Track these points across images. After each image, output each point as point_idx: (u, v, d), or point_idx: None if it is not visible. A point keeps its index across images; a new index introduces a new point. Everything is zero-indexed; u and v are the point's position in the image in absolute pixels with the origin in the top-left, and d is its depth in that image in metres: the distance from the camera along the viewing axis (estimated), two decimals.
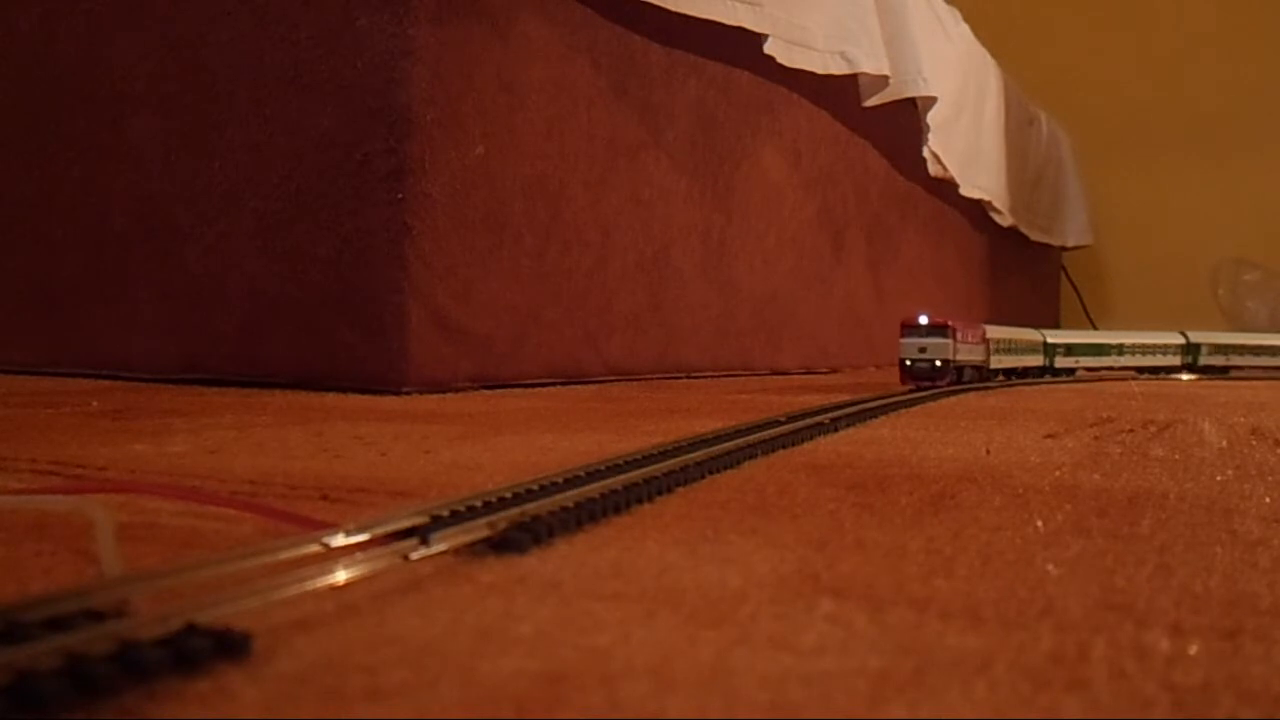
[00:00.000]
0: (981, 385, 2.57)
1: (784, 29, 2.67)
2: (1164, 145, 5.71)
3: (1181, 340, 3.58)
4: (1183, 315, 5.13)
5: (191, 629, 0.42)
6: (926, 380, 2.06)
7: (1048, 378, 2.93)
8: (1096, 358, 3.17)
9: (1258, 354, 3.74)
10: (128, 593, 0.46)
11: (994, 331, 2.48)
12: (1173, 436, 1.39)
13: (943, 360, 2.06)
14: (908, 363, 2.08)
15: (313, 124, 1.88)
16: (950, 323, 2.08)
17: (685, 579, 0.56)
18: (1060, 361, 2.97)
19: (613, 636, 0.46)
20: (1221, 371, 3.64)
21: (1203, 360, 3.59)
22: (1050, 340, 2.96)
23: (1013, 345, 2.65)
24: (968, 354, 2.21)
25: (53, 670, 0.37)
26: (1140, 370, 3.43)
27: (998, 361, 2.51)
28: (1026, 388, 2.76)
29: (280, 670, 0.41)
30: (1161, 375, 3.44)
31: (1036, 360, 2.87)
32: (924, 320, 2.07)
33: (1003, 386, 2.67)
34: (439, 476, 0.90)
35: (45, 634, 0.40)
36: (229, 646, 0.42)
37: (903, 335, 2.08)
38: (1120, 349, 3.32)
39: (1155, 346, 3.49)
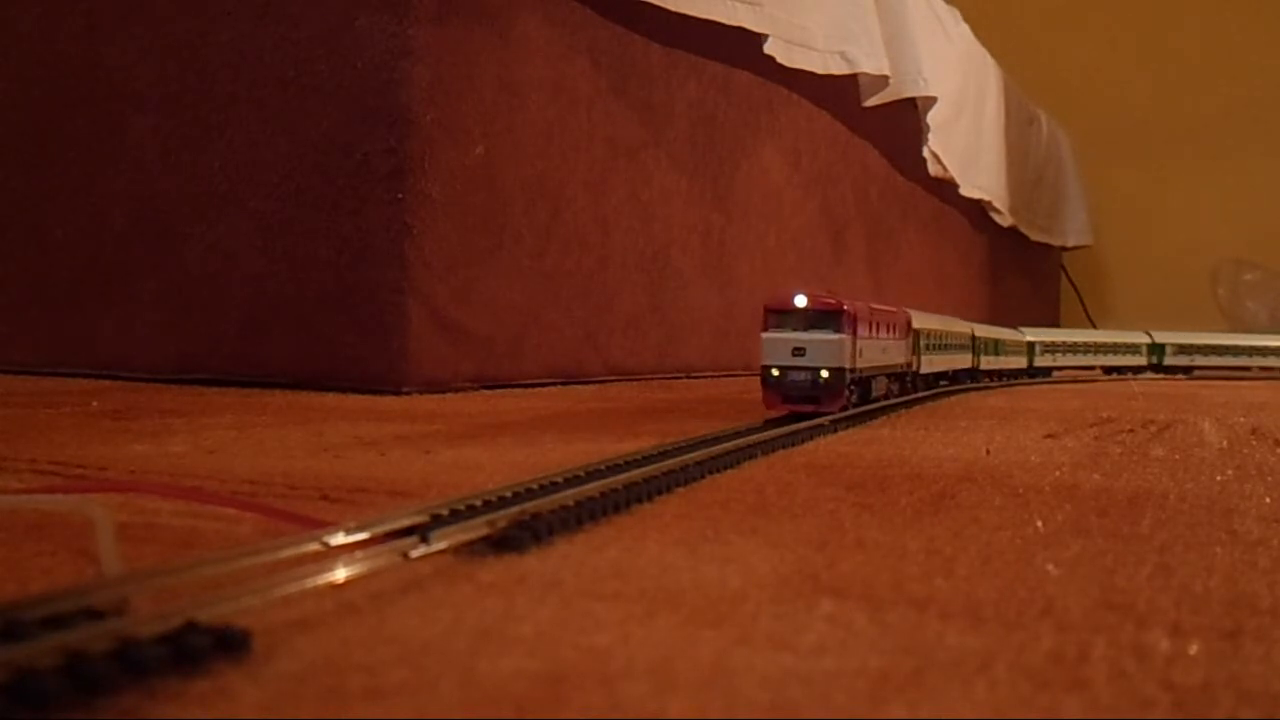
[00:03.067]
0: (981, 385, 2.55)
1: (784, 29, 2.67)
2: (1164, 145, 5.71)
3: (1147, 340, 3.56)
4: (1183, 315, 5.13)
5: (191, 627, 0.42)
6: (807, 401, 1.31)
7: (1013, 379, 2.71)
8: (1062, 356, 2.99)
9: (1221, 354, 3.74)
10: (127, 591, 0.46)
11: (924, 321, 1.85)
12: (1173, 436, 1.39)
13: (833, 369, 1.30)
14: (774, 371, 1.31)
15: (313, 124, 1.88)
16: (847, 305, 1.32)
17: (685, 579, 0.56)
18: (985, 363, 2.55)
19: (613, 636, 0.46)
20: (1185, 371, 3.63)
21: (1167, 360, 3.58)
22: (977, 334, 2.51)
23: (948, 341, 2.07)
24: (878, 355, 1.50)
25: (52, 668, 0.37)
26: (1107, 370, 3.39)
27: (930, 363, 1.90)
28: (1026, 388, 2.76)
29: (280, 670, 0.41)
30: (1129, 375, 3.41)
31: (965, 361, 2.35)
32: (801, 302, 1.31)
33: (1003, 387, 2.66)
34: (439, 476, 0.90)
35: (45, 632, 0.40)
36: (229, 644, 0.42)
37: (767, 327, 1.32)
38: (1086, 348, 3.21)
39: (1122, 346, 3.46)
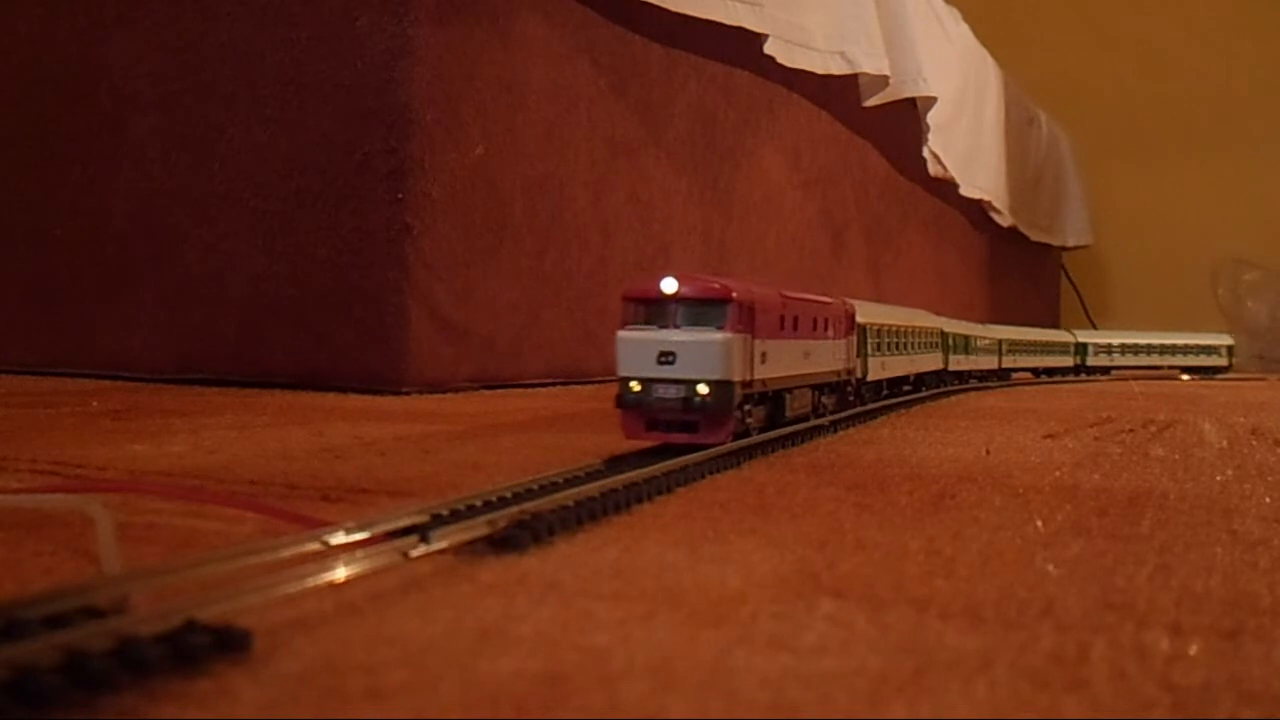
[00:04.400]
0: (980, 385, 2.53)
1: (784, 29, 2.67)
2: (1164, 145, 5.71)
3: (1071, 339, 3.49)
4: (1183, 315, 5.14)
5: (192, 626, 0.42)
6: (679, 429, 0.96)
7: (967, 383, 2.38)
8: (979, 356, 2.58)
9: (1136, 353, 3.69)
10: (128, 590, 0.46)
11: (874, 314, 1.56)
12: (1173, 436, 1.39)
13: (715, 383, 0.94)
14: (633, 386, 0.96)
15: (313, 124, 1.88)
16: (737, 292, 0.97)
17: (685, 579, 0.56)
18: (955, 363, 2.26)
19: (613, 636, 0.46)
20: (1104, 371, 3.56)
21: (1090, 360, 3.50)
22: (948, 330, 2.22)
23: (909, 339, 1.78)
24: (796, 362, 1.15)
25: (52, 667, 0.37)
26: (1036, 372, 3.23)
27: (882, 367, 1.60)
28: (1026, 388, 2.76)
29: (280, 670, 0.41)
30: (1057, 378, 3.29)
31: (935, 362, 2.07)
32: (670, 287, 0.95)
33: (1003, 386, 2.65)
34: (439, 476, 0.90)
35: (45, 631, 0.40)
36: (229, 644, 0.42)
37: (625, 322, 0.98)
38: (1013, 347, 2.90)
39: (1050, 345, 3.34)
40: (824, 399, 1.29)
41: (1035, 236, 5.15)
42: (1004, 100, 4.41)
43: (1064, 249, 5.80)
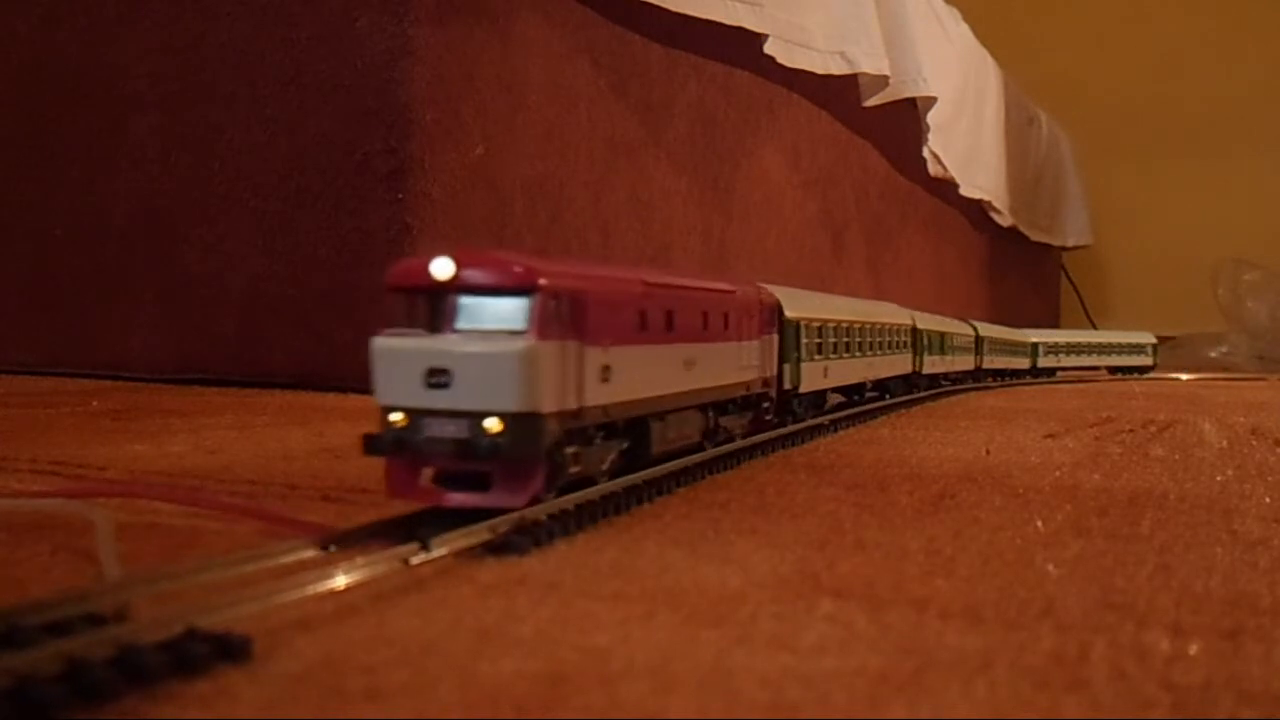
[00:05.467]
0: (980, 385, 2.52)
1: (784, 29, 2.67)
2: (1164, 145, 5.71)
3: (1028, 341, 3.36)
4: (1183, 315, 5.13)
5: (192, 633, 0.42)
6: (464, 484, 0.67)
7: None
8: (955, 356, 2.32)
9: (1079, 354, 3.63)
10: (128, 596, 0.46)
11: (809, 306, 1.28)
12: (1173, 436, 1.39)
13: (512, 417, 0.65)
14: (395, 422, 0.67)
15: (313, 124, 1.88)
16: (546, 280, 0.67)
17: (685, 579, 0.56)
18: (930, 365, 2.01)
19: (613, 636, 0.46)
20: (1050, 373, 3.43)
21: (1040, 361, 3.39)
22: (922, 326, 1.95)
23: (865, 338, 1.52)
24: (670, 376, 0.87)
25: (53, 676, 0.37)
26: (1002, 375, 2.98)
27: (819, 375, 1.30)
28: (1026, 388, 2.75)
29: (281, 670, 0.41)
30: (1012, 381, 3.09)
31: (902, 365, 1.78)
32: (445, 270, 0.66)
33: (1002, 386, 2.65)
34: None
35: (46, 638, 0.40)
36: (229, 651, 0.42)
37: (390, 327, 0.69)
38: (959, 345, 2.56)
39: (1014, 345, 3.18)
40: (716, 426, 0.99)
41: (1035, 236, 5.15)
42: (1004, 100, 4.41)
43: (1064, 249, 5.80)
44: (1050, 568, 0.60)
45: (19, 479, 0.85)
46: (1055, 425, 1.52)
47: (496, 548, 0.61)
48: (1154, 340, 3.99)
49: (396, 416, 0.66)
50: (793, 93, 3.04)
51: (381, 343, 0.67)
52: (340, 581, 0.52)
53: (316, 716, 0.37)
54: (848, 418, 1.38)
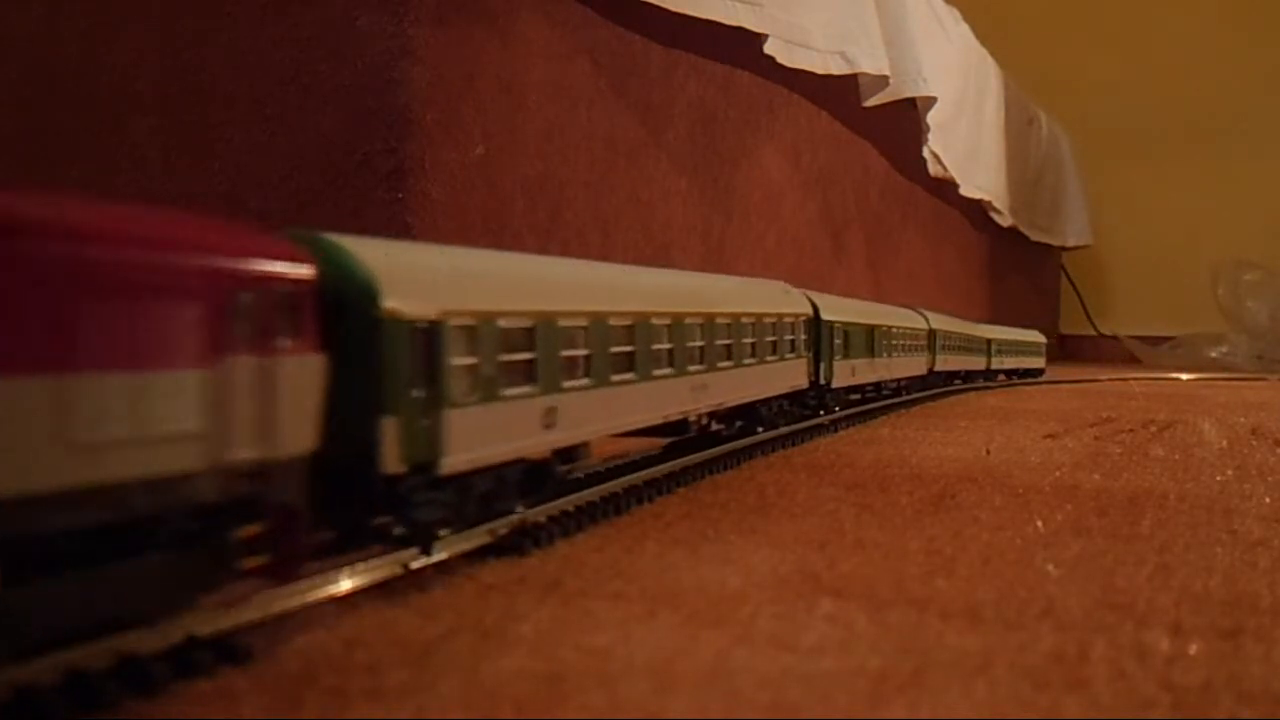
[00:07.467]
0: (981, 386, 2.52)
1: (784, 29, 2.67)
2: (1164, 145, 5.71)
3: (984, 337, 3.27)
4: (1183, 315, 5.13)
5: (192, 641, 0.42)
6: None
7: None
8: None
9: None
10: None
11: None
12: (1173, 436, 1.39)
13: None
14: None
15: (313, 124, 1.88)
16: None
17: (685, 579, 0.56)
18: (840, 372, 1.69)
19: (613, 636, 0.46)
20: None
21: (994, 363, 3.28)
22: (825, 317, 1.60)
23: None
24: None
25: (53, 686, 0.37)
26: (963, 376, 2.70)
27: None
28: (1026, 388, 2.75)
29: (281, 670, 0.41)
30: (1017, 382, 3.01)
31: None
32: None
33: (1002, 386, 2.65)
34: None
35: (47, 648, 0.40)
36: (230, 658, 0.42)
37: None
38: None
39: (972, 340, 3.07)
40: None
41: (1035, 236, 5.15)
42: (1004, 100, 4.41)
43: (1064, 249, 5.80)
44: (1050, 568, 0.60)
45: None
46: (1055, 425, 1.52)
47: (497, 551, 0.61)
48: (1043, 340, 3.88)
49: None
50: (793, 92, 3.04)
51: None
52: (343, 586, 0.52)
53: (317, 716, 0.37)
54: (848, 418, 1.38)
